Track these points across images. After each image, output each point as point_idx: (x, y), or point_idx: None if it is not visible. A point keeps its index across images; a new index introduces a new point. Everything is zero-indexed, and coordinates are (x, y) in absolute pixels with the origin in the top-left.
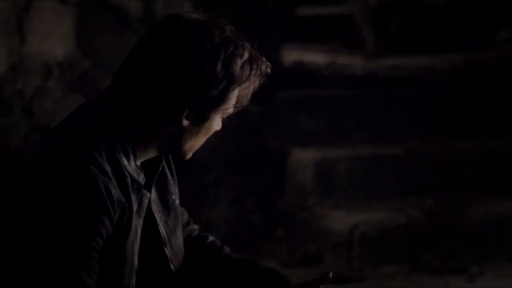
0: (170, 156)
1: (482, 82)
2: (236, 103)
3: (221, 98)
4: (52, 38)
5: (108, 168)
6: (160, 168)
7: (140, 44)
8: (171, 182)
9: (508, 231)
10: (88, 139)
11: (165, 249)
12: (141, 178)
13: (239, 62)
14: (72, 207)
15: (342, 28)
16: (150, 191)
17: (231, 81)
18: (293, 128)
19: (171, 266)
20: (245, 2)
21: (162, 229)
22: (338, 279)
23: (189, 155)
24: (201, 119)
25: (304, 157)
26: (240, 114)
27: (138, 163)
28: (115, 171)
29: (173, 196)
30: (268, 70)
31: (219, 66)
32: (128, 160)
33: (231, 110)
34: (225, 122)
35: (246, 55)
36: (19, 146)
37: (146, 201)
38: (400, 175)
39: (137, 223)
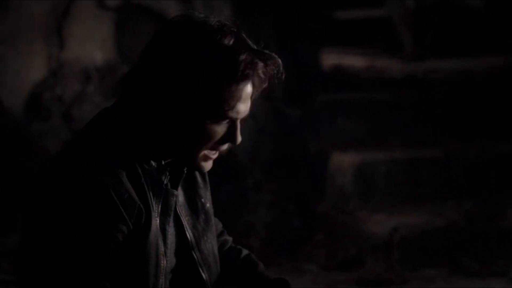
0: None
1: None
2: (232, 107)
3: (232, 95)
4: (91, 43)
5: (121, 171)
6: (185, 171)
7: (148, 48)
8: (201, 185)
9: None
10: (102, 144)
11: (193, 253)
12: (164, 177)
13: (242, 60)
14: (85, 215)
15: (380, 31)
16: (176, 190)
17: (235, 77)
18: (332, 131)
19: (200, 270)
20: (283, 7)
21: (189, 233)
22: (378, 282)
23: (201, 162)
24: (218, 117)
25: (344, 160)
26: (279, 118)
27: (162, 162)
28: (130, 173)
29: (202, 200)
30: (262, 75)
31: (213, 72)
32: (146, 161)
33: (229, 114)
34: (265, 126)
35: (244, 57)
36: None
37: (173, 200)
38: (438, 178)
39: (165, 223)
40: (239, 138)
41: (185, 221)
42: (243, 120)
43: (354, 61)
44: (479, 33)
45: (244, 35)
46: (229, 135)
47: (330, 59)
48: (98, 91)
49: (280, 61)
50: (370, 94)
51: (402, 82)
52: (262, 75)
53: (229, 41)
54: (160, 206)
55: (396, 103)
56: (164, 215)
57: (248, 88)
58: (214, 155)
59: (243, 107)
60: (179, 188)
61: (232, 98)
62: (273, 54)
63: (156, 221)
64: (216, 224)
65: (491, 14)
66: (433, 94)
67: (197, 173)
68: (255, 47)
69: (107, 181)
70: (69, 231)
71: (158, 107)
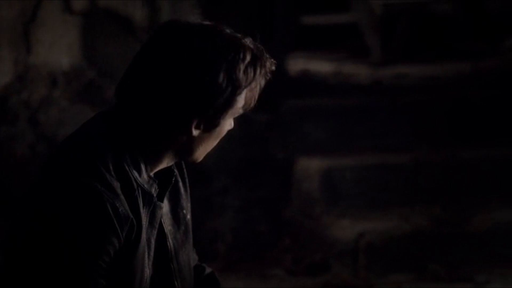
0: (184, 171)
1: (488, 90)
2: (244, 104)
3: (228, 104)
4: (58, 48)
5: (116, 183)
6: (173, 180)
7: (142, 53)
8: (184, 196)
9: None
10: (96, 153)
11: (171, 264)
12: (154, 189)
13: (241, 66)
14: (79, 228)
15: (348, 37)
16: (162, 202)
17: (236, 87)
18: (299, 137)
19: (175, 281)
20: (251, 11)
21: (170, 243)
22: (344, 287)
23: (200, 159)
24: (210, 126)
25: (310, 166)
26: (246, 123)
27: (151, 174)
28: (124, 185)
29: (184, 211)
30: (273, 67)
31: (221, 75)
32: (139, 172)
33: (240, 111)
34: (230, 131)
35: (248, 57)
36: (25, 155)
37: (159, 212)
38: (406, 184)
39: (151, 235)
40: (232, 125)
41: (168, 230)
42: None
43: (321, 66)
44: (448, 39)
45: (238, 34)
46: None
47: (297, 64)
48: (64, 95)
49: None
50: (338, 100)
51: (369, 88)
52: (269, 67)
53: (226, 44)
54: (148, 218)
55: (363, 109)
56: (150, 227)
57: (262, 82)
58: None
59: (252, 102)
60: (165, 198)
61: (249, 97)
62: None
63: (147, 234)
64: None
65: (460, 20)
66: (401, 100)
67: (180, 184)
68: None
69: (103, 194)
70: (62, 243)
71: (165, 118)
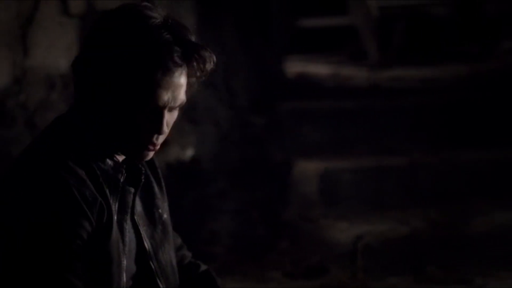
0: (158, 171)
1: (485, 93)
2: (152, 95)
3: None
4: (56, 50)
5: (80, 171)
6: (143, 178)
7: (85, 39)
8: (159, 196)
9: None
10: (57, 146)
11: (151, 263)
12: (120, 175)
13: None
14: (49, 214)
15: (345, 40)
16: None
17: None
18: (296, 139)
19: (158, 281)
20: (248, 15)
21: (147, 243)
22: None
23: (139, 153)
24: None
25: (308, 168)
26: (244, 126)
27: (119, 159)
28: (88, 172)
29: (160, 210)
30: (178, 60)
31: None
32: (101, 160)
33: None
34: (229, 134)
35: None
36: None
37: (130, 197)
38: (403, 186)
39: (123, 220)
40: (164, 129)
41: (143, 231)
42: (178, 110)
43: (318, 69)
44: (444, 42)
45: (184, 29)
46: (154, 125)
47: (294, 67)
48: (62, 98)
49: (213, 55)
50: (335, 102)
51: (366, 90)
52: (194, 65)
53: (159, 29)
54: (117, 204)
55: (360, 111)
56: (121, 213)
57: (173, 77)
58: (152, 145)
59: (166, 96)
60: (137, 199)
61: (153, 87)
62: (205, 47)
63: (118, 218)
64: (175, 238)
65: (456, 23)
66: (397, 102)
67: (154, 184)
68: (190, 38)
69: (69, 180)
70: (33, 232)
71: (96, 101)
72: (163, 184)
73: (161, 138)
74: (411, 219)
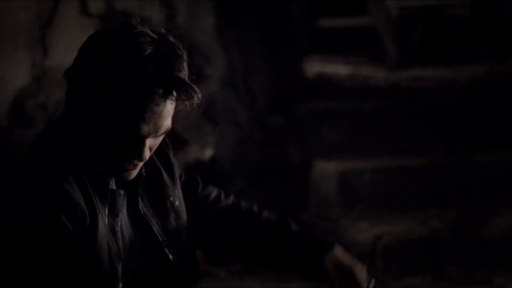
0: (171, 160)
1: (503, 93)
2: (133, 126)
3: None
4: (75, 51)
5: (64, 175)
6: (143, 172)
7: (77, 56)
8: (169, 184)
9: None
10: (48, 153)
11: (167, 252)
12: (109, 179)
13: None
14: (26, 226)
15: (364, 40)
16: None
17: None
18: (316, 139)
19: (176, 269)
20: (267, 15)
21: (160, 235)
22: None
23: (122, 173)
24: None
25: (327, 168)
26: (263, 126)
27: (108, 166)
28: (74, 177)
29: (171, 199)
30: (161, 98)
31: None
32: (90, 166)
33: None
34: (248, 135)
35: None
36: None
37: (120, 199)
38: (422, 187)
39: (114, 223)
40: (145, 155)
41: (154, 222)
42: (158, 136)
43: (338, 69)
44: (463, 42)
45: (176, 59)
46: (135, 151)
47: (314, 67)
48: None
49: (198, 92)
50: (354, 102)
51: (386, 90)
52: (180, 98)
53: (147, 62)
54: (107, 207)
55: (380, 112)
56: (112, 216)
57: (155, 112)
58: (134, 166)
59: (148, 128)
60: (143, 193)
61: (135, 120)
62: (190, 84)
63: (104, 223)
64: (210, 192)
65: (475, 23)
66: (417, 103)
67: (163, 172)
68: (178, 74)
69: (46, 186)
70: (13, 245)
71: (81, 116)
72: (174, 169)
73: (142, 162)
74: (430, 219)
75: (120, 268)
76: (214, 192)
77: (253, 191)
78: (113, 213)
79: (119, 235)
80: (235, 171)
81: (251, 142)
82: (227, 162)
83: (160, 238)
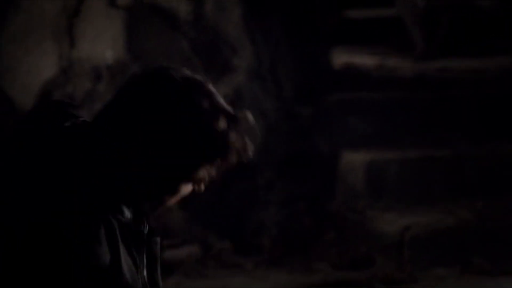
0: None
1: None
2: (208, 175)
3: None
4: (102, 42)
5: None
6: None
7: (133, 93)
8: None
9: None
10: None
11: None
12: (143, 227)
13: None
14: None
15: (391, 30)
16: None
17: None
18: (343, 130)
19: None
20: (294, 6)
21: None
22: (388, 281)
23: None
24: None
25: (355, 159)
26: (290, 117)
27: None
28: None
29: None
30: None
31: (198, 136)
32: (121, 211)
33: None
34: (276, 126)
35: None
36: None
37: (156, 247)
38: (450, 177)
39: (154, 272)
40: (202, 189)
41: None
42: None
43: (365, 60)
44: (490, 33)
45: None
46: (196, 191)
47: (341, 58)
48: (108, 90)
49: (252, 119)
50: (381, 93)
51: (413, 81)
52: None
53: (221, 123)
54: (145, 257)
55: (407, 102)
56: (151, 266)
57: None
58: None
59: (216, 171)
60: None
61: (210, 168)
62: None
63: (143, 275)
64: None
65: (502, 14)
66: (444, 94)
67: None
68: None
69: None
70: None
71: (136, 156)
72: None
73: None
74: (457, 210)
75: None
76: None
77: (280, 182)
78: (153, 263)
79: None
80: (262, 162)
81: (278, 133)
82: (254, 154)
83: None
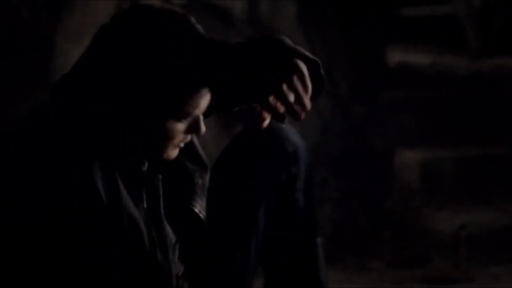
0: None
1: None
2: (195, 106)
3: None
4: None
5: (92, 165)
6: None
7: (108, 33)
8: (199, 191)
9: None
10: (72, 134)
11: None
12: (142, 165)
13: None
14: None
15: (445, 28)
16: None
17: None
18: (397, 128)
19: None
20: (348, 5)
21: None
22: (444, 279)
23: (165, 153)
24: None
25: (409, 157)
26: (345, 115)
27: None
28: (102, 167)
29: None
30: None
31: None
32: (116, 149)
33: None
34: (330, 124)
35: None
36: None
37: (158, 184)
38: (505, 175)
39: (156, 209)
40: (202, 130)
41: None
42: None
43: (419, 58)
44: None
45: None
46: (193, 129)
47: (395, 56)
48: None
49: None
50: (435, 91)
51: (467, 79)
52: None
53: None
54: (144, 194)
55: (461, 100)
56: (151, 201)
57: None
58: (178, 145)
59: (204, 103)
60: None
61: (197, 99)
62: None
63: (142, 211)
64: None
65: None
66: (498, 91)
67: (196, 175)
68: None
69: (72, 175)
70: (32, 230)
71: (114, 102)
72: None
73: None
74: None
75: (164, 261)
76: None
77: (335, 180)
78: (155, 200)
79: (163, 224)
80: (317, 160)
81: (333, 131)
82: (309, 151)
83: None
